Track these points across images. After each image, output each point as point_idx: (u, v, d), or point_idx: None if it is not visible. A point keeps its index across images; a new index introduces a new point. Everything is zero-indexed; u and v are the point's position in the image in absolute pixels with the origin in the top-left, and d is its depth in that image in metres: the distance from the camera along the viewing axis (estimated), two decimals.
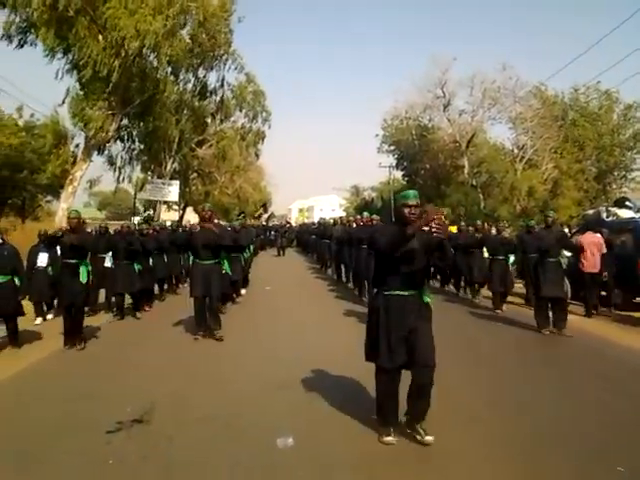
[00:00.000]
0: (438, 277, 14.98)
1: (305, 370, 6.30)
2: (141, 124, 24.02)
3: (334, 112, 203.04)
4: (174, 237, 12.34)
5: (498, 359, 7.12)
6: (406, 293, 4.17)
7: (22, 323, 8.28)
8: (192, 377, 6.17)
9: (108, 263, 10.17)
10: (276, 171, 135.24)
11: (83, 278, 7.56)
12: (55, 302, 9.91)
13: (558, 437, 4.36)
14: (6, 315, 7.63)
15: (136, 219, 19.29)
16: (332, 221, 21.70)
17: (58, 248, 8.77)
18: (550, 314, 8.73)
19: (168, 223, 16.47)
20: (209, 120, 29.60)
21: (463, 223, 14.77)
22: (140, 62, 19.47)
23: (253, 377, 6.14)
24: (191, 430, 4.53)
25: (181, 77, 25.78)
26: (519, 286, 13.33)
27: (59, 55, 18.42)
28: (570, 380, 6.13)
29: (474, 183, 37.35)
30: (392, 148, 45.64)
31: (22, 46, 18.26)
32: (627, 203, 15.09)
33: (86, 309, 9.74)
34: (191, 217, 31.68)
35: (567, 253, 10.38)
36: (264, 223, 35.97)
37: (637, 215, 12.60)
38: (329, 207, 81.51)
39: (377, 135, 45.99)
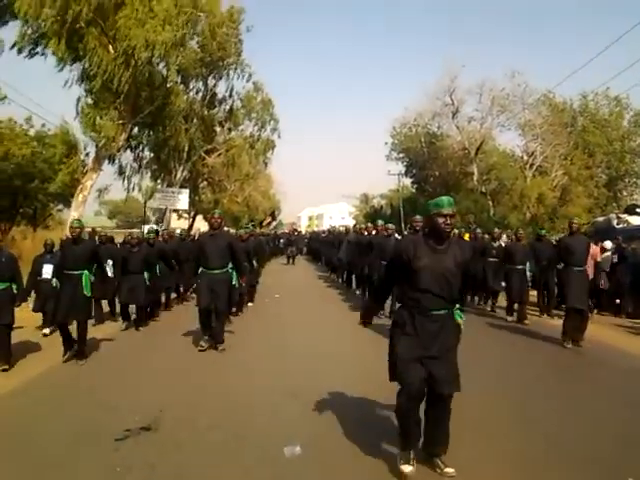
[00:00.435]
0: None
1: (314, 379, 6.30)
2: (151, 133, 24.21)
3: (343, 120, 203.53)
4: (178, 249, 12.16)
5: (509, 371, 7.04)
6: (436, 312, 3.75)
7: (26, 334, 8.38)
8: (200, 386, 6.18)
9: (109, 272, 9.69)
10: (285, 179, 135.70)
11: (87, 291, 7.28)
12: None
13: (569, 452, 4.31)
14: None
15: (146, 227, 19.34)
16: (344, 229, 21.63)
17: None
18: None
19: (178, 231, 16.37)
20: (218, 129, 29.75)
21: (479, 230, 14.46)
22: (150, 72, 19.62)
23: (262, 386, 6.13)
24: (199, 438, 4.53)
25: (190, 86, 26.00)
26: (532, 294, 13.25)
27: (69, 66, 18.62)
28: (581, 392, 6.08)
29: (483, 190, 37.23)
30: (401, 156, 45.61)
31: (32, 56, 18.47)
32: (638, 210, 15.02)
33: (93, 322, 9.69)
34: (201, 225, 31.79)
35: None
36: (273, 231, 36.05)
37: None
38: (339, 215, 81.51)
39: (386, 143, 46.04)
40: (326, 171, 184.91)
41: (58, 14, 16.57)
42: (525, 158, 37.70)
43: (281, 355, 7.72)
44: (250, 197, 40.69)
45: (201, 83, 26.66)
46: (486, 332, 9.78)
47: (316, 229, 52.45)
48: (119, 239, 13.51)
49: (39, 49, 18.27)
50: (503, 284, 11.14)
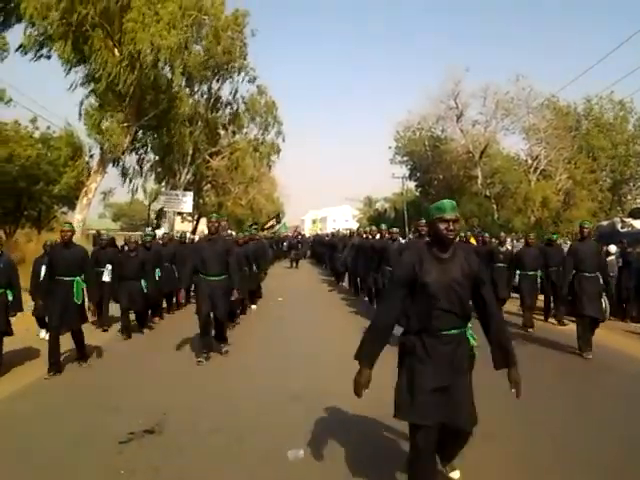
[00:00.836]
0: None
1: (317, 382, 6.30)
2: (155, 136, 24.30)
3: (347, 123, 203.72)
4: (176, 252, 11.80)
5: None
6: (447, 332, 3.29)
7: (25, 340, 8.31)
8: (204, 389, 6.18)
9: (106, 277, 9.57)
10: (289, 182, 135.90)
11: (77, 298, 6.94)
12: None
13: (573, 455, 4.30)
14: None
15: (148, 229, 19.36)
16: (348, 232, 21.50)
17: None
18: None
19: (178, 234, 16.27)
20: (222, 132, 29.83)
21: (487, 234, 14.27)
22: (155, 75, 19.69)
23: (264, 388, 6.13)
24: (203, 441, 4.54)
25: (195, 89, 26.10)
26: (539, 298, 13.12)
27: (75, 68, 18.71)
28: (586, 395, 6.05)
29: (488, 194, 37.25)
30: (405, 159, 45.70)
31: (38, 59, 18.55)
32: None
33: (101, 328, 9.70)
34: (205, 228, 31.83)
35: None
36: (277, 234, 36.01)
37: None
38: (342, 218, 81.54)
39: (390, 147, 46.12)
40: (330, 174, 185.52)
41: (64, 17, 16.66)
42: (529, 162, 37.72)
43: (284, 358, 7.71)
44: (254, 200, 40.75)
45: (205, 86, 26.79)
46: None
47: (319, 232, 52.43)
48: (122, 242, 13.38)
49: (44, 51, 18.35)
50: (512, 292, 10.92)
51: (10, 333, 6.90)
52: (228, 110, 29.20)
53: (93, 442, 4.51)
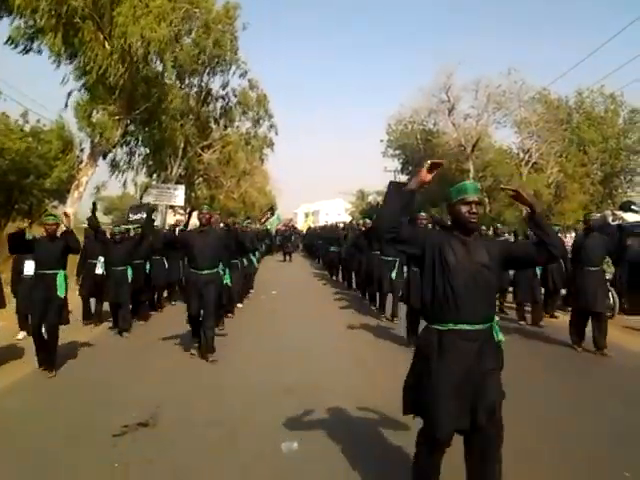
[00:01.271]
0: None
1: (310, 375, 6.34)
2: (146, 129, 24.14)
3: (339, 116, 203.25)
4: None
5: (511, 369, 7.04)
6: (470, 328, 2.89)
7: (8, 336, 8.19)
8: (197, 382, 6.20)
9: (100, 270, 9.32)
10: (281, 175, 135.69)
11: (61, 292, 6.63)
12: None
13: (569, 449, 4.33)
14: None
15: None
16: (342, 225, 21.38)
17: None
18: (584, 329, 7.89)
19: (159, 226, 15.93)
20: (214, 125, 29.68)
21: (484, 227, 14.19)
22: (146, 68, 19.54)
23: (258, 382, 6.15)
24: (197, 434, 4.55)
25: (186, 82, 25.92)
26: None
27: (66, 61, 18.53)
28: (582, 389, 6.06)
29: (479, 187, 37.30)
30: (397, 152, 45.68)
31: (27, 52, 18.32)
32: (633, 207, 15.05)
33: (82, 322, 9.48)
34: (197, 221, 31.68)
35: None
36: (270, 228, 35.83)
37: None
38: (335, 211, 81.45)
39: (382, 140, 46.06)
40: (322, 168, 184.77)
41: (53, 8, 16.48)
42: (521, 155, 37.79)
43: (277, 351, 7.74)
44: (246, 193, 40.62)
45: (196, 80, 26.60)
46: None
47: (312, 225, 52.40)
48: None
49: (35, 45, 18.14)
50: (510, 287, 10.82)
51: None
52: (219, 103, 29.06)
53: (87, 436, 4.51)
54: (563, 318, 10.02)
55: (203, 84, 27.05)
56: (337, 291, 15.12)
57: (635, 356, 7.70)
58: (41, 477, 3.86)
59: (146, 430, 4.62)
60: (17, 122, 24.44)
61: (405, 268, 8.87)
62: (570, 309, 8.66)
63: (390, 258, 9.90)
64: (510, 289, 10.94)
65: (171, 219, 29.27)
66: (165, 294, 12.43)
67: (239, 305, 11.56)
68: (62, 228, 7.54)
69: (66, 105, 20.02)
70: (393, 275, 9.82)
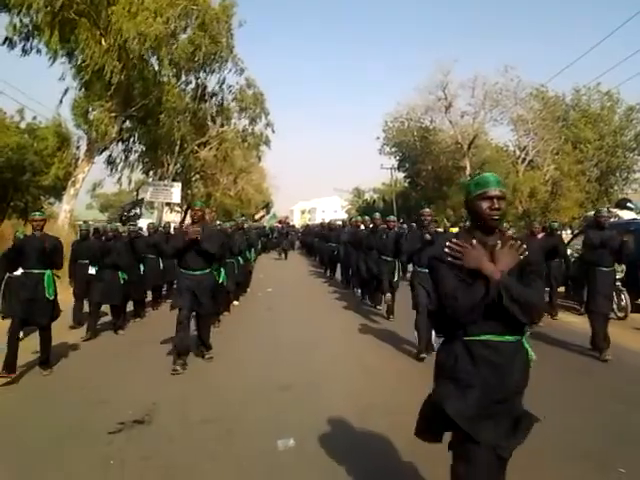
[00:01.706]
0: None
1: (306, 373, 6.35)
2: (143, 126, 24.10)
3: (335, 113, 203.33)
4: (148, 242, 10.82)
5: None
6: (500, 339, 2.53)
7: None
8: (193, 380, 6.19)
9: (92, 270, 8.87)
10: (278, 173, 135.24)
11: (50, 293, 6.30)
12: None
13: (563, 447, 4.33)
14: None
15: (139, 222, 19.21)
16: (341, 222, 21.16)
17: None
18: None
19: (144, 224, 15.76)
20: (210, 123, 29.64)
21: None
22: (142, 65, 19.51)
23: (254, 379, 6.16)
24: (193, 432, 4.55)
25: (182, 79, 25.88)
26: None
27: (62, 59, 18.49)
28: (579, 388, 6.05)
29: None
30: (394, 150, 45.67)
31: (26, 52, 18.23)
32: (629, 204, 15.11)
33: (71, 323, 9.11)
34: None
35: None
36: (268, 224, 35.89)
37: (639, 216, 12.56)
38: (331, 209, 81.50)
39: (378, 138, 46.04)
40: (318, 165, 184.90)
41: (49, 4, 16.42)
42: (517, 153, 37.84)
43: (273, 349, 7.74)
44: (243, 191, 40.65)
45: (192, 77, 26.55)
46: None
47: (309, 222, 52.41)
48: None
49: (33, 44, 18.06)
50: None
51: None
52: (216, 101, 29.01)
53: (82, 433, 4.51)
54: (565, 319, 9.98)
55: (199, 81, 26.99)
56: (334, 289, 14.93)
57: (636, 355, 7.65)
58: (37, 474, 3.85)
59: (142, 427, 4.62)
60: (13, 118, 24.42)
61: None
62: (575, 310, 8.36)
63: (389, 259, 9.72)
64: None
65: (168, 216, 29.28)
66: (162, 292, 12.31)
67: (235, 303, 11.43)
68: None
69: (61, 101, 20.00)
70: (395, 277, 9.69)
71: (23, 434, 4.53)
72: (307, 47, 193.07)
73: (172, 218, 29.69)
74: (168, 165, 27.07)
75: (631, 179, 36.74)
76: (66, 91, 19.73)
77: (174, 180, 27.31)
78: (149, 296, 11.27)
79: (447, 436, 2.73)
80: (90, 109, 19.04)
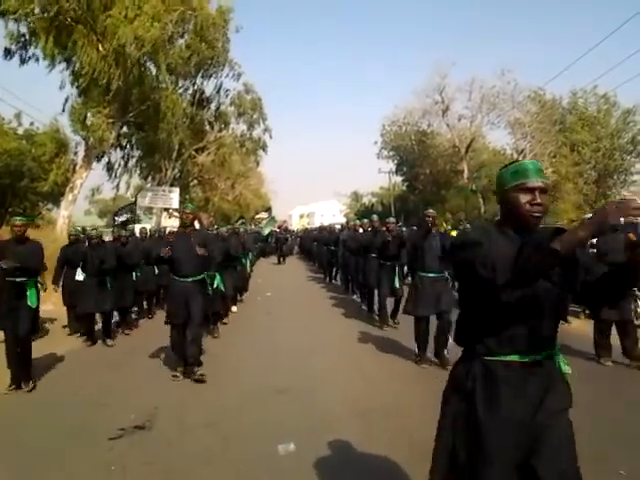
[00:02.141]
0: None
1: (305, 378, 6.35)
2: (141, 132, 24.13)
3: (333, 118, 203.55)
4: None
5: None
6: (527, 359, 2.12)
7: None
8: (193, 386, 6.18)
9: (80, 277, 8.57)
10: (276, 177, 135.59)
11: (32, 302, 6.03)
12: None
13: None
14: None
15: (137, 227, 19.15)
16: (339, 227, 20.76)
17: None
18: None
19: (136, 228, 15.61)
20: (208, 128, 29.69)
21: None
22: (139, 70, 19.53)
23: (253, 384, 6.16)
24: (193, 437, 4.55)
25: (180, 84, 25.93)
26: None
27: (60, 66, 18.53)
28: (577, 389, 6.07)
29: (474, 188, 37.42)
30: (391, 154, 45.75)
31: (23, 62, 18.28)
32: None
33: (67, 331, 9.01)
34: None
35: None
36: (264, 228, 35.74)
37: (636, 220, 12.50)
38: (330, 213, 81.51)
39: (376, 142, 46.11)
40: (317, 169, 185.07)
41: (46, 10, 16.47)
42: (515, 156, 37.92)
43: (272, 353, 7.73)
44: (241, 195, 40.66)
45: (189, 82, 26.59)
46: None
47: (308, 227, 52.42)
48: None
49: (30, 52, 18.13)
50: None
51: None
52: (213, 106, 29.06)
53: (83, 439, 4.51)
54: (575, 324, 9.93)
55: (197, 87, 27.05)
56: (333, 295, 14.72)
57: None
58: (38, 479, 3.85)
59: (143, 433, 4.62)
60: (10, 123, 24.44)
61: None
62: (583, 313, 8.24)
63: (389, 263, 9.51)
64: None
65: (167, 222, 29.28)
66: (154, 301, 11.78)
67: (233, 309, 11.22)
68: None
69: (63, 110, 20.00)
70: (396, 281, 9.40)
71: (23, 439, 4.51)
72: (304, 50, 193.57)
73: (171, 223, 29.64)
74: (166, 170, 27.08)
75: (629, 181, 36.84)
76: (67, 100, 19.76)
77: (172, 185, 27.33)
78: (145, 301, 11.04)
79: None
80: (88, 115, 19.03)
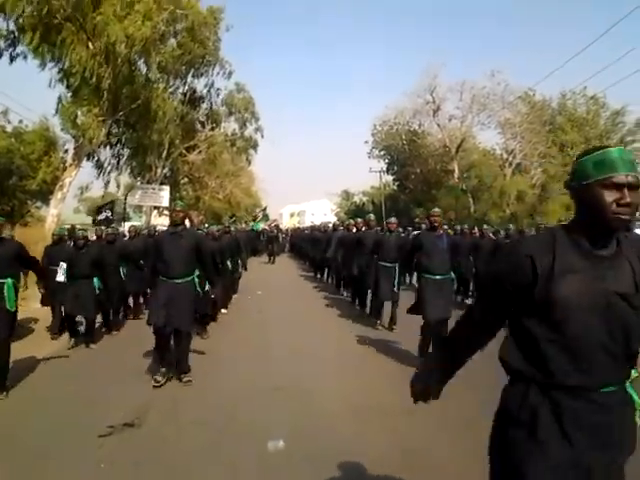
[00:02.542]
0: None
1: (297, 376, 6.35)
2: (131, 130, 24.05)
3: (324, 117, 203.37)
4: (144, 248, 9.57)
5: (500, 368, 7.01)
6: (605, 389, 1.76)
7: None
8: (183, 383, 6.17)
9: (61, 277, 8.04)
10: (267, 176, 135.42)
11: (10, 304, 5.67)
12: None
13: None
14: None
15: (126, 225, 19.03)
16: (331, 226, 20.52)
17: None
18: None
19: (125, 226, 15.41)
20: (199, 126, 29.64)
21: (486, 226, 13.76)
22: (130, 69, 19.47)
23: (244, 381, 6.15)
24: (184, 434, 4.55)
25: (170, 83, 25.87)
26: None
27: (50, 64, 18.42)
28: None
29: (464, 187, 37.62)
30: (382, 153, 45.90)
31: (13, 59, 18.18)
32: None
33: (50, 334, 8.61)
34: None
35: None
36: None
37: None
38: (321, 212, 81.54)
39: (367, 142, 46.23)
40: (307, 168, 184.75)
41: (35, 10, 16.38)
42: (505, 156, 38.18)
43: (264, 351, 7.73)
44: (231, 194, 40.59)
45: (180, 81, 26.53)
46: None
47: (299, 225, 52.36)
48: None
49: (18, 50, 18.03)
50: None
51: None
52: (204, 105, 29.03)
53: (72, 437, 4.48)
54: None
55: (187, 86, 27.01)
56: (325, 294, 14.59)
57: None
58: (27, 478, 3.84)
59: (132, 430, 4.61)
60: None
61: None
62: None
63: (389, 265, 9.13)
64: None
65: (157, 220, 29.17)
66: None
67: (223, 311, 10.83)
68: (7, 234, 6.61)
69: (57, 111, 19.83)
70: (395, 284, 9.00)
71: (12, 437, 4.49)
72: (295, 50, 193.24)
73: (161, 222, 29.55)
74: (156, 168, 27.01)
75: None
76: (60, 100, 19.61)
77: (162, 184, 27.25)
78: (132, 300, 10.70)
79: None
80: (79, 113, 18.93)
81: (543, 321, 1.75)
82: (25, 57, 18.19)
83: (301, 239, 27.14)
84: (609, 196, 1.68)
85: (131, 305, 10.60)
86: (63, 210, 20.33)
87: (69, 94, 19.32)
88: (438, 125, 39.72)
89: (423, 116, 40.90)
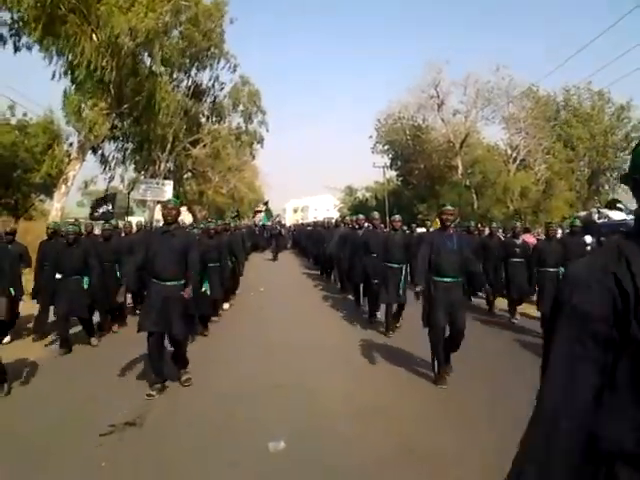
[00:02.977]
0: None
1: (298, 375, 6.33)
2: (135, 124, 24.01)
3: (328, 112, 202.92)
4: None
5: (504, 369, 6.57)
6: None
7: None
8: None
9: (59, 275, 7.77)
10: (270, 170, 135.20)
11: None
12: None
13: None
14: None
15: (133, 219, 19.01)
16: (335, 221, 19.53)
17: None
18: None
19: (133, 221, 15.33)
20: (203, 120, 29.58)
21: (495, 224, 13.50)
22: (134, 61, 19.43)
23: (245, 380, 6.13)
24: (184, 433, 4.54)
25: (174, 76, 25.82)
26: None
27: (55, 58, 18.38)
28: None
29: (468, 183, 37.52)
30: (386, 148, 45.78)
31: (17, 50, 18.16)
32: (619, 205, 15.17)
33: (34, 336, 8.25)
34: (185, 217, 31.53)
35: None
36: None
37: (629, 217, 12.58)
38: (324, 207, 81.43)
39: (371, 136, 46.13)
40: (311, 163, 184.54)
41: (39, 1, 16.34)
42: (509, 152, 38.04)
43: (265, 349, 7.71)
44: (235, 188, 40.49)
45: (184, 74, 26.49)
46: (492, 333, 8.57)
47: (302, 221, 52.33)
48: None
49: (23, 41, 18.00)
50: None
51: None
52: (209, 98, 28.97)
53: (73, 435, 4.48)
54: None
55: (192, 79, 26.96)
56: (328, 292, 14.26)
57: None
58: (28, 477, 3.84)
59: (133, 429, 4.60)
60: (5, 115, 24.29)
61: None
62: None
63: (396, 265, 8.68)
64: (534, 297, 9.49)
65: (160, 215, 29.10)
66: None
67: (225, 306, 10.80)
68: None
69: (64, 105, 19.78)
70: (401, 286, 8.65)
71: (12, 436, 4.49)
72: (300, 44, 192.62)
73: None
74: (160, 163, 26.97)
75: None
76: (65, 93, 19.56)
77: (166, 178, 27.19)
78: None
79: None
80: (82, 106, 18.90)
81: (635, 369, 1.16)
82: (29, 48, 18.17)
83: (303, 235, 26.81)
84: None
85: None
86: (67, 204, 20.33)
87: (73, 87, 19.28)
88: (442, 120, 39.62)
89: (427, 111, 40.82)
